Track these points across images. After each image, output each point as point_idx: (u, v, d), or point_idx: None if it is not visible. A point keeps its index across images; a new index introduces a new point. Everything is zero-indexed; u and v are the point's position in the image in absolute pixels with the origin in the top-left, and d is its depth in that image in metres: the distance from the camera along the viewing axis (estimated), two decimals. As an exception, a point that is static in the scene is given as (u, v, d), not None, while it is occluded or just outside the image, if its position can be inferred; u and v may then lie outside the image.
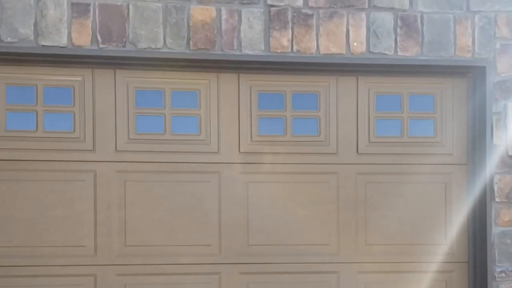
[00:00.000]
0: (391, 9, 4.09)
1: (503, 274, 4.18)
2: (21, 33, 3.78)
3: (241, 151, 4.15)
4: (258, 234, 4.16)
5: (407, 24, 4.10)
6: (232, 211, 4.14)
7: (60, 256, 3.99)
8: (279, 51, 4.01)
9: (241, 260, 4.15)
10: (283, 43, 4.01)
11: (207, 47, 3.94)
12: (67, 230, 4.00)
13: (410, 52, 4.12)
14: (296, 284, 4.19)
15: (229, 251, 4.15)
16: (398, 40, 4.10)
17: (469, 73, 4.25)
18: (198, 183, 4.13)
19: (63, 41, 3.82)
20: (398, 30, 4.10)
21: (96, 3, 3.82)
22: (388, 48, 4.10)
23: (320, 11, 4.03)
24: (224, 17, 3.95)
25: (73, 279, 4.01)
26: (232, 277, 4.16)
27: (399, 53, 4.11)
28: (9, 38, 3.77)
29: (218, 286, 4.16)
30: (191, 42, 3.93)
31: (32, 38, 3.79)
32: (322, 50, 4.04)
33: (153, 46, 3.89)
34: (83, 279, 4.03)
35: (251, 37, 3.98)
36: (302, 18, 4.01)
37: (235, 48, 3.97)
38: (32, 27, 3.79)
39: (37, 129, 3.97)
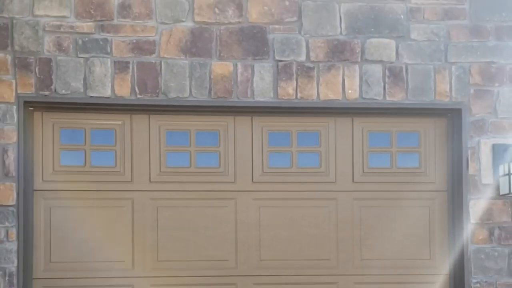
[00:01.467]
0: (380, 61, 4.78)
1: (478, 285, 4.82)
2: (73, 86, 4.56)
3: (254, 181, 4.86)
4: (269, 251, 4.87)
5: (394, 74, 4.79)
6: (247, 231, 4.85)
7: (104, 269, 4.73)
8: (285, 98, 4.72)
9: (255, 273, 4.86)
10: (289, 91, 4.73)
11: (226, 96, 4.68)
12: (109, 248, 4.73)
13: (396, 97, 4.80)
14: (301, 293, 4.90)
15: (244, 265, 4.86)
16: (386, 87, 4.79)
17: (448, 114, 4.92)
18: (217, 208, 4.84)
19: (107, 93, 4.58)
20: (386, 79, 4.79)
21: (134, 61, 4.59)
22: (378, 94, 4.79)
23: (320, 64, 4.74)
24: (239, 70, 4.68)
25: (115, 288, 4.79)
26: (246, 287, 4.88)
27: (387, 98, 4.79)
28: (63, 91, 4.55)
29: (234, 295, 4.90)
30: (212, 92, 4.66)
31: (82, 90, 4.56)
32: (322, 97, 4.74)
33: (181, 96, 4.64)
34: (123, 289, 4.81)
35: (262, 86, 4.70)
36: (305, 71, 4.73)
37: (249, 96, 4.69)
38: (82, 81, 4.56)
39: (85, 164, 4.73)
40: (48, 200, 4.68)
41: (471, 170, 4.82)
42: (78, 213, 4.71)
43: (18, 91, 4.48)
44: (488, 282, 4.81)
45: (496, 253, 4.82)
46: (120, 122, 4.74)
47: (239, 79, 4.68)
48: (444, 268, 4.95)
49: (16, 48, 4.47)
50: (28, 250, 4.59)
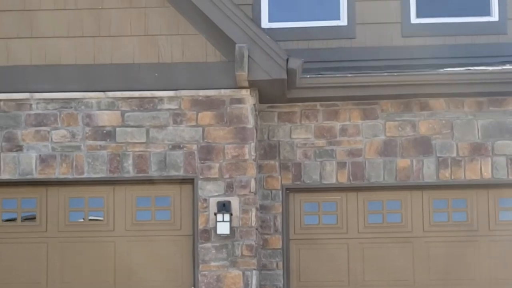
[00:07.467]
0: (504, 155, 7.42)
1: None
2: (313, 178, 7.53)
3: (424, 230, 7.58)
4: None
5: (514, 162, 7.46)
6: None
7: (328, 286, 7.66)
8: (444, 179, 7.46)
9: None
10: (446, 175, 7.46)
11: (406, 179, 7.47)
12: (331, 271, 7.64)
13: (516, 176, 7.46)
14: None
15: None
16: (509, 170, 7.42)
17: (552, 186, 7.47)
18: (397, 248, 7.62)
19: (333, 180, 7.52)
20: (509, 165, 7.42)
21: (350, 161, 7.48)
22: (503, 175, 7.43)
23: (465, 158, 7.45)
24: (414, 163, 7.45)
25: (337, 298, 7.75)
26: None
27: (510, 177, 7.41)
28: (308, 181, 7.53)
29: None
30: (397, 177, 7.48)
31: (318, 180, 7.52)
32: (467, 178, 7.45)
33: (378, 180, 7.49)
34: (341, 299, 7.75)
35: (429, 173, 7.47)
36: (456, 162, 7.45)
37: (420, 179, 7.47)
38: (319, 175, 7.52)
39: (319, 223, 7.70)
40: (298, 244, 7.69)
41: None
42: (315, 251, 7.68)
43: (282, 182, 7.54)
44: None
45: None
46: (339, 197, 7.69)
47: (414, 169, 7.47)
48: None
49: (281, 157, 7.54)
50: (288, 274, 7.63)
